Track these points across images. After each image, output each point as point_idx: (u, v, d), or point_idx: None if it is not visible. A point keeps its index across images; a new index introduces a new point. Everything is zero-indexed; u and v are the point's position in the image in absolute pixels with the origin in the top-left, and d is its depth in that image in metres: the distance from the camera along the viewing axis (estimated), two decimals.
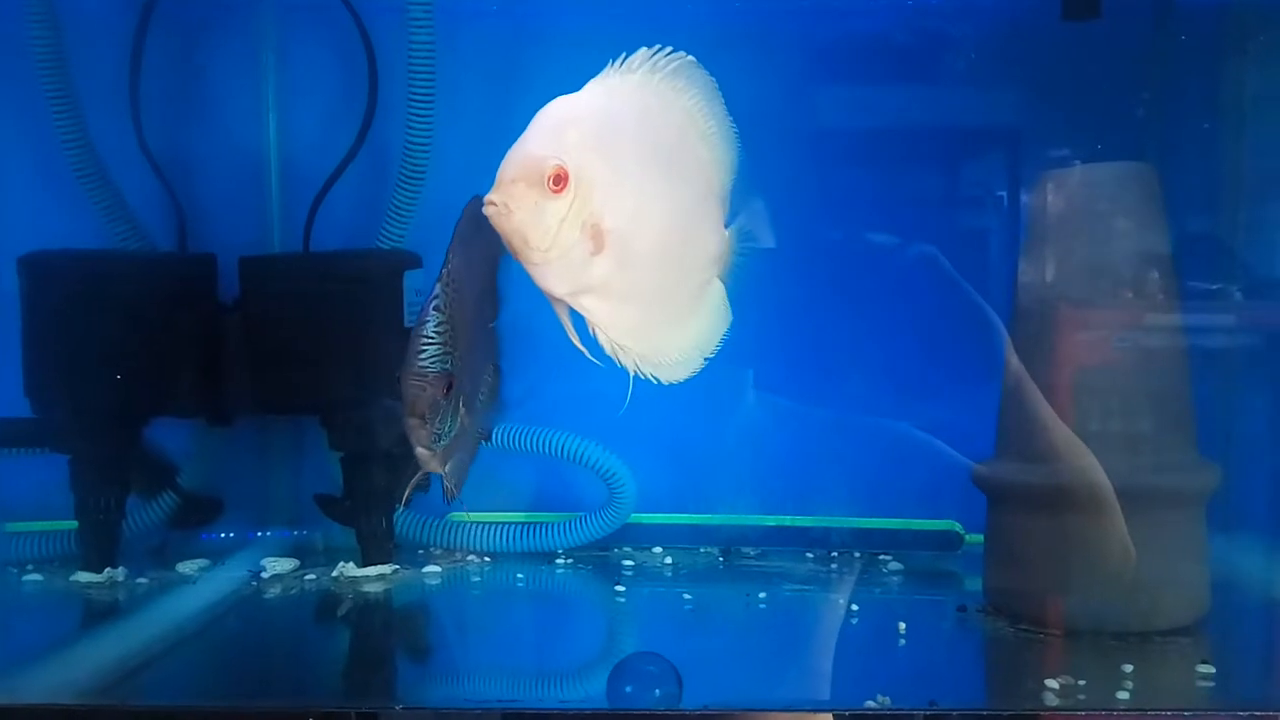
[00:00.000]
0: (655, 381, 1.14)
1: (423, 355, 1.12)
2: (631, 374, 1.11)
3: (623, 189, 1.06)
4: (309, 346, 1.73)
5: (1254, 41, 1.69)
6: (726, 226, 1.20)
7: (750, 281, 1.22)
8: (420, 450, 1.14)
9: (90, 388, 1.71)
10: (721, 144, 1.16)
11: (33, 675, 1.29)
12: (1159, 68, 1.75)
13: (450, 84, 1.79)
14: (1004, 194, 1.82)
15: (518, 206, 1.01)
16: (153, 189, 1.85)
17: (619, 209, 1.05)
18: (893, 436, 1.77)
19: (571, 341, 1.10)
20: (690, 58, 1.12)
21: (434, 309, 1.13)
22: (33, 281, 1.68)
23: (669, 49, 1.10)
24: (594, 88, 1.08)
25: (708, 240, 1.17)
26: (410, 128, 1.77)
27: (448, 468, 1.20)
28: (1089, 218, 1.49)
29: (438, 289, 1.14)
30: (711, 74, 1.16)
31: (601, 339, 1.09)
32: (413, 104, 1.76)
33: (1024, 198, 1.62)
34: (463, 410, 1.16)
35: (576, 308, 1.08)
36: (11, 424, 1.71)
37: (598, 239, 1.04)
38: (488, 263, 1.24)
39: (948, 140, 1.86)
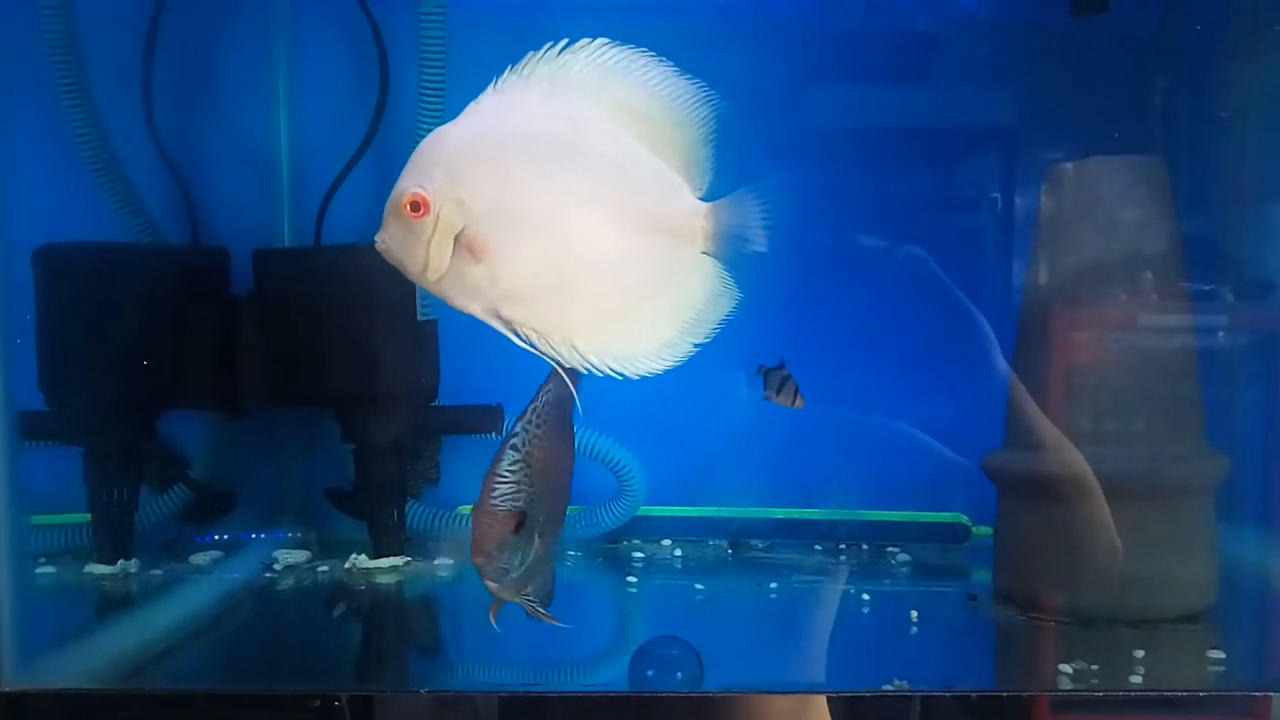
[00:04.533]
0: (621, 377, 1.11)
1: (495, 494, 1.12)
2: (597, 371, 1.10)
3: (502, 196, 1.08)
4: (322, 339, 1.73)
5: (1264, 33, 1.71)
6: (709, 200, 1.15)
7: (760, 256, 1.15)
8: (488, 583, 1.15)
9: (103, 380, 1.71)
10: (674, 121, 1.13)
11: (53, 662, 1.29)
12: (1167, 61, 1.77)
13: (462, 77, 1.80)
14: (1014, 190, 1.84)
15: (390, 237, 1.07)
16: (165, 182, 1.86)
17: (501, 215, 1.07)
18: (892, 434, 1.78)
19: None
20: (612, 45, 1.11)
21: (510, 447, 1.13)
22: (47, 274, 1.68)
23: (585, 41, 1.10)
24: (471, 107, 1.11)
25: (659, 220, 1.13)
26: (422, 121, 1.78)
27: (528, 590, 1.20)
28: (1099, 210, 1.50)
29: (518, 427, 1.14)
30: (706, 69, 1.15)
31: (546, 344, 1.09)
32: (424, 97, 1.77)
33: (1033, 193, 1.63)
34: (537, 542, 1.16)
35: (503, 321, 1.09)
36: (25, 417, 1.71)
37: (474, 249, 1.07)
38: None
39: (953, 136, 1.87)
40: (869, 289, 1.82)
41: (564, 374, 1.15)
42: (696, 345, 1.13)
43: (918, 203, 1.90)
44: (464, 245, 1.07)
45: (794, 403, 1.59)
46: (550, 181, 1.10)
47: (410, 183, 1.07)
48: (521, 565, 1.15)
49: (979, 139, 1.86)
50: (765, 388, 1.62)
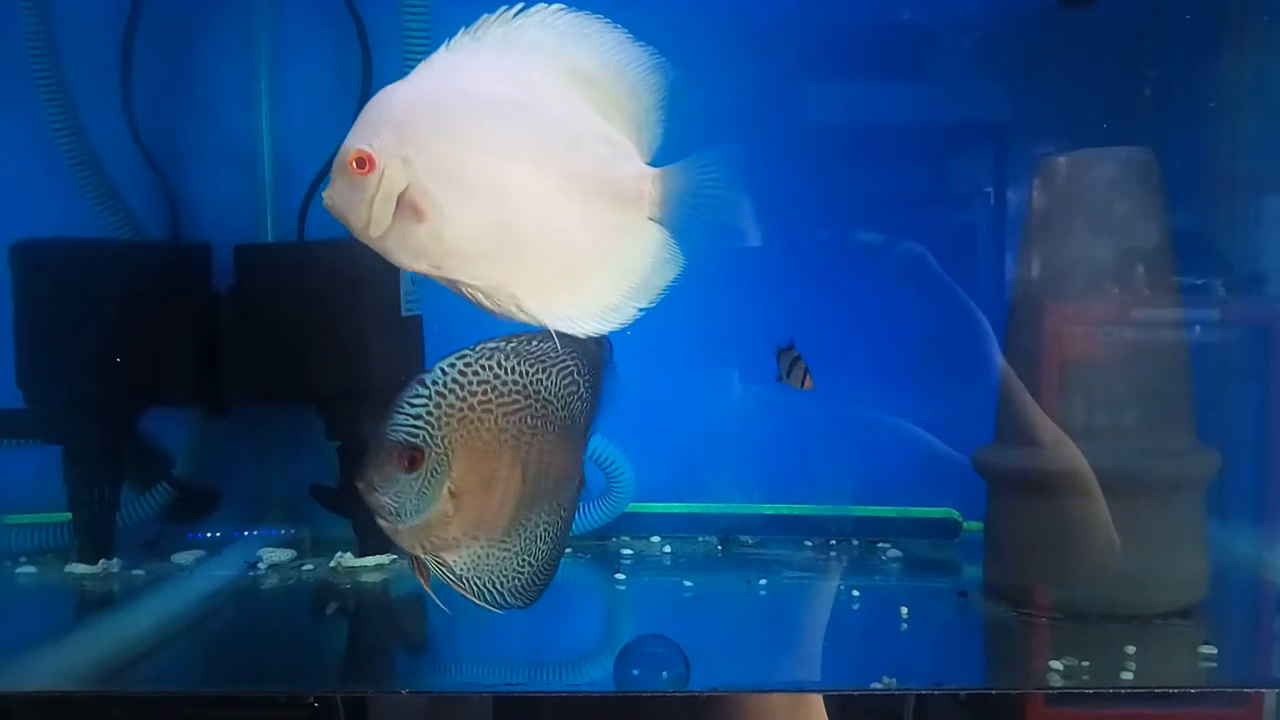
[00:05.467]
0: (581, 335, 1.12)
1: (390, 422, 1.08)
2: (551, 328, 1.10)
3: (447, 156, 1.08)
4: (305, 335, 1.71)
5: (1253, 25, 1.70)
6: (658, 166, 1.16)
7: (706, 224, 1.15)
8: (379, 521, 1.11)
9: (83, 378, 1.69)
10: (625, 87, 1.14)
11: (32, 664, 1.27)
12: (1157, 52, 1.76)
13: None
14: (1004, 183, 1.83)
15: (335, 193, 1.08)
16: (146, 177, 1.84)
17: (446, 174, 1.08)
18: (886, 428, 1.77)
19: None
20: (567, 11, 1.11)
21: (418, 382, 1.08)
22: (25, 270, 1.66)
23: (540, 5, 1.10)
24: (422, 66, 1.10)
25: (606, 184, 1.13)
26: None
27: (454, 561, 1.13)
28: (1089, 203, 1.49)
29: (437, 367, 1.09)
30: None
31: (491, 303, 1.10)
32: None
33: (1023, 186, 1.62)
34: (448, 498, 1.10)
35: (451, 279, 1.10)
36: (3, 415, 1.69)
37: (418, 208, 1.07)
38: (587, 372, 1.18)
39: (941, 129, 1.86)
40: (865, 284, 1.81)
41: (581, 371, 1.13)
42: (641, 309, 1.13)
43: (905, 197, 1.89)
44: (408, 204, 1.07)
45: (803, 384, 1.57)
46: (497, 143, 1.10)
47: (357, 139, 1.07)
48: (417, 513, 1.09)
49: (967, 132, 1.85)
50: (779, 367, 1.60)
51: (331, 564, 1.75)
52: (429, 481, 1.09)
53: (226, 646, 1.50)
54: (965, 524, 1.87)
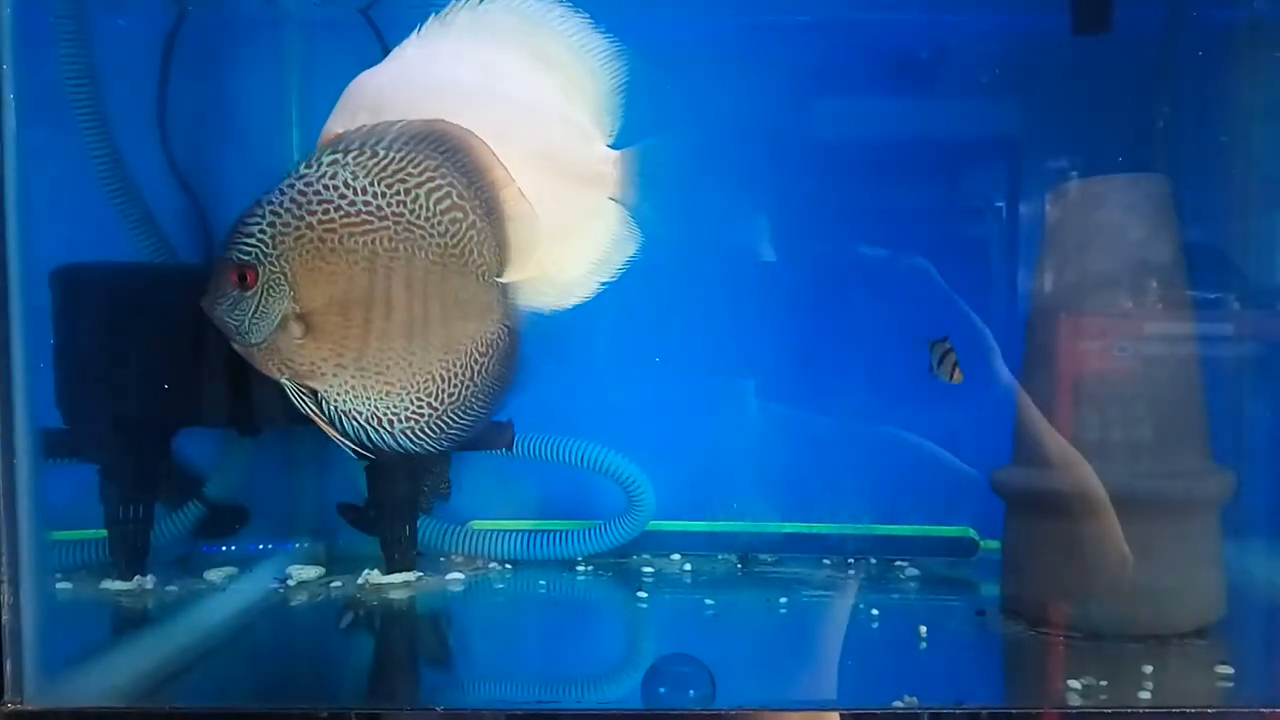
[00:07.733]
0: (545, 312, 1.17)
1: (226, 241, 1.08)
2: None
3: None
4: None
5: (1263, 54, 1.72)
6: (619, 148, 1.21)
7: (663, 203, 1.21)
8: (232, 343, 1.11)
9: (119, 398, 1.73)
10: (587, 70, 1.19)
11: (72, 680, 1.31)
12: (1168, 80, 1.78)
13: None
14: (1021, 205, 1.85)
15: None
16: (181, 202, 1.89)
17: None
18: (902, 445, 1.79)
19: None
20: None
21: (257, 202, 1.07)
22: (64, 293, 1.70)
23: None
24: (395, 53, 1.19)
25: (570, 165, 1.18)
26: None
27: (327, 392, 1.12)
28: (1105, 227, 1.51)
29: (277, 189, 1.07)
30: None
31: None
32: None
33: (1040, 208, 1.65)
34: (296, 316, 1.08)
35: None
36: (43, 434, 1.72)
37: None
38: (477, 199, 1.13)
39: (960, 153, 1.89)
40: (883, 299, 1.84)
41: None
42: (604, 284, 1.20)
43: (926, 220, 1.91)
44: None
45: (952, 377, 1.57)
46: (466, 126, 1.14)
47: (336, 124, 1.15)
48: (260, 333, 1.09)
49: (984, 157, 1.87)
50: (930, 358, 1.60)
51: (359, 580, 1.78)
52: (266, 300, 1.08)
53: (258, 663, 1.53)
54: (982, 542, 1.89)
